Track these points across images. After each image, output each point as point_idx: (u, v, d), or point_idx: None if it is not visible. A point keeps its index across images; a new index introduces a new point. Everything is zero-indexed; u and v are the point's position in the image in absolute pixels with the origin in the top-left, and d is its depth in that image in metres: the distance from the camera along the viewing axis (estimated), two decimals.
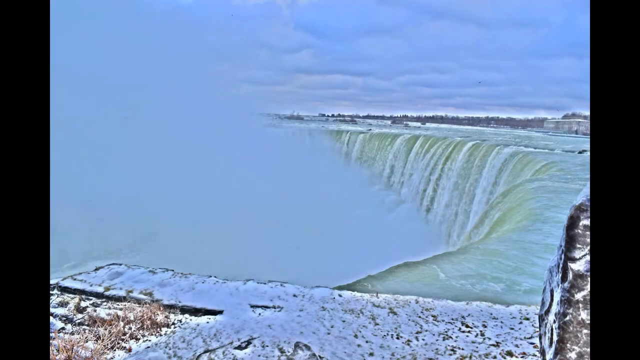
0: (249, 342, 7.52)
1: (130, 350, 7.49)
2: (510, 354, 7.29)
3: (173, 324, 8.45)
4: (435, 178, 51.65)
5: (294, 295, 9.63)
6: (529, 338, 7.92)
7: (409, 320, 8.60)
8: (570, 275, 2.61)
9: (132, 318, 8.32)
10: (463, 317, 8.86)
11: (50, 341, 6.63)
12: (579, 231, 2.60)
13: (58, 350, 6.50)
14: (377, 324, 8.35)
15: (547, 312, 2.99)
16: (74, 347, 6.66)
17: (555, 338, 2.69)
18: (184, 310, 8.94)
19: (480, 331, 8.20)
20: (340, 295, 9.73)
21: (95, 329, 8.23)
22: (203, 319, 8.60)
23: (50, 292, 9.93)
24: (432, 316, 8.84)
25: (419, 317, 8.77)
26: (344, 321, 8.44)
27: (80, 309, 9.35)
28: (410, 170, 60.40)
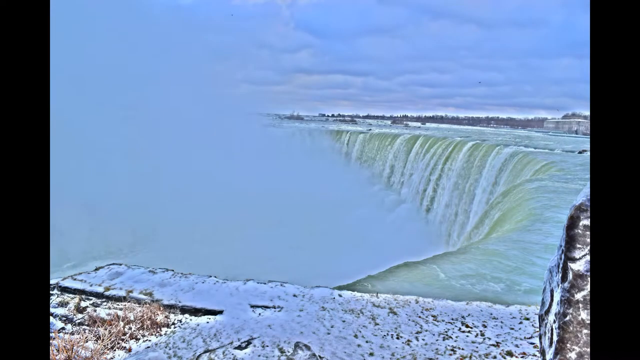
0: (249, 342, 7.52)
1: (130, 350, 7.49)
2: (510, 354, 7.29)
3: (173, 324, 8.44)
4: (435, 178, 51.65)
5: (294, 295, 9.63)
6: (529, 338, 7.92)
7: (409, 320, 8.60)
8: (570, 275, 2.61)
9: (132, 318, 8.32)
10: (463, 317, 8.86)
11: (50, 341, 6.63)
12: (579, 231, 2.60)
13: (58, 350, 6.51)
14: (377, 324, 8.35)
15: (547, 312, 2.99)
16: (74, 347, 6.66)
17: (555, 338, 2.69)
18: (184, 310, 8.94)
19: (480, 331, 8.20)
20: (340, 295, 9.73)
21: (95, 329, 8.23)
22: (203, 319, 8.60)
23: (50, 292, 9.93)
24: (432, 316, 8.84)
25: (419, 317, 8.77)
26: (344, 321, 8.43)
27: (80, 309, 9.35)
28: (410, 170, 60.41)
